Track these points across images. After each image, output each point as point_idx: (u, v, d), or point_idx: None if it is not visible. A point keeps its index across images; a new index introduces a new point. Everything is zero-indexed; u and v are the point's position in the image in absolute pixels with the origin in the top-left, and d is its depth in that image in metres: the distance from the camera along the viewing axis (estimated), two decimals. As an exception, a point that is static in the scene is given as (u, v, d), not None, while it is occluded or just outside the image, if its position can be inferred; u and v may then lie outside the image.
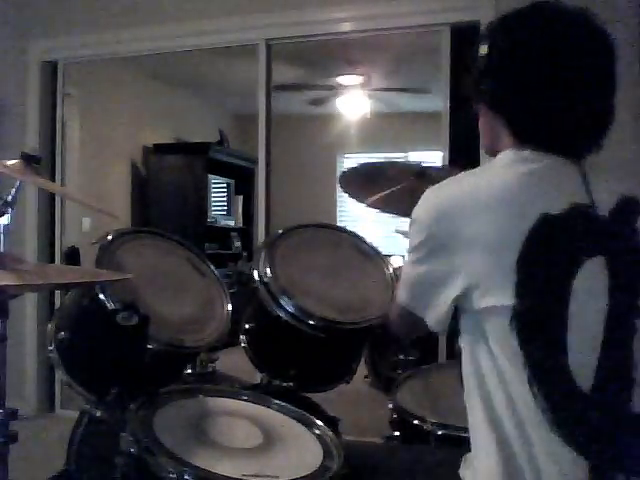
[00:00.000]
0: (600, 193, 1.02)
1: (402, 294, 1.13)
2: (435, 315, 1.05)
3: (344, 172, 2.10)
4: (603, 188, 1.03)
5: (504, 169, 1.03)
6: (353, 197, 2.09)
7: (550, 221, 0.96)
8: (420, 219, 1.05)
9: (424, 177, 1.89)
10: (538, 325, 0.95)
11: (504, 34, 1.06)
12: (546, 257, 0.96)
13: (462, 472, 1.07)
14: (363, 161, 2.14)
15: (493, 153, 1.13)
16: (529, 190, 0.99)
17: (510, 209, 0.97)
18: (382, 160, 2.00)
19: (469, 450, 1.05)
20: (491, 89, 1.07)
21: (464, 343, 1.05)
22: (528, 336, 0.95)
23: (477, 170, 1.07)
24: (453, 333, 1.09)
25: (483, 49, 1.07)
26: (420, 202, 1.06)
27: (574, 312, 0.94)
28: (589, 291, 0.96)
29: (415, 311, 1.10)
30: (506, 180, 1.00)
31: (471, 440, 1.04)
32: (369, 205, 2.05)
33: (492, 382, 0.99)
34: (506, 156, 1.05)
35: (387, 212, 2.14)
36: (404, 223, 2.25)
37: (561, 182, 1.02)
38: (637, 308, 0.99)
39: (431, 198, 1.05)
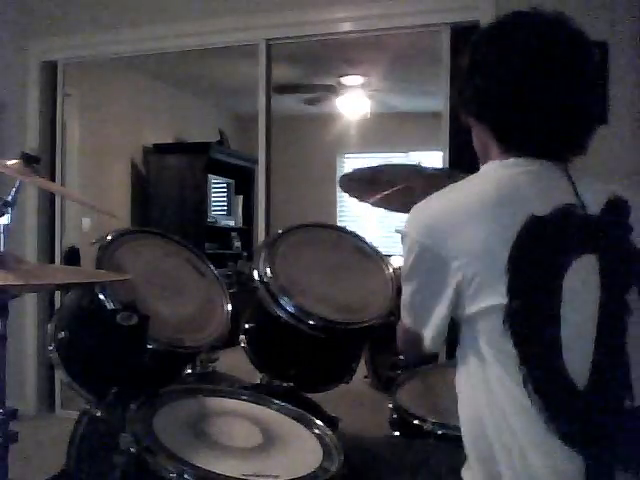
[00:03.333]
0: (588, 193, 1.04)
1: (405, 315, 1.13)
2: (431, 332, 1.07)
3: (343, 176, 2.10)
4: (593, 188, 1.05)
5: (486, 177, 1.07)
6: (355, 197, 2.09)
7: (537, 222, 0.98)
8: (410, 235, 1.06)
9: (422, 175, 1.89)
10: (531, 324, 0.97)
11: (483, 44, 1.09)
12: (535, 256, 0.98)
13: (463, 473, 1.08)
14: (363, 162, 2.13)
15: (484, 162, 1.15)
16: (514, 194, 1.01)
17: (496, 214, 0.99)
18: (380, 163, 1.99)
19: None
20: (473, 97, 1.09)
21: (458, 353, 1.08)
22: (522, 335, 0.96)
23: (460, 183, 1.09)
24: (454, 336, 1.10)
25: (464, 60, 1.10)
26: (408, 220, 1.08)
27: (566, 310, 0.96)
28: (580, 289, 0.98)
29: (418, 330, 1.10)
30: (488, 188, 1.03)
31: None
32: (372, 204, 2.05)
33: (481, 385, 1.01)
34: (489, 166, 1.09)
35: (390, 209, 2.13)
36: (404, 223, 2.26)
37: (547, 185, 1.04)
38: (627, 304, 1.00)
39: (418, 214, 1.07)
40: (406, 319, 1.13)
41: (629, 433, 0.99)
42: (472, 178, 1.09)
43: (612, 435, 0.98)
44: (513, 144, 1.07)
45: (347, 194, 2.10)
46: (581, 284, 0.98)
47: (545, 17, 1.06)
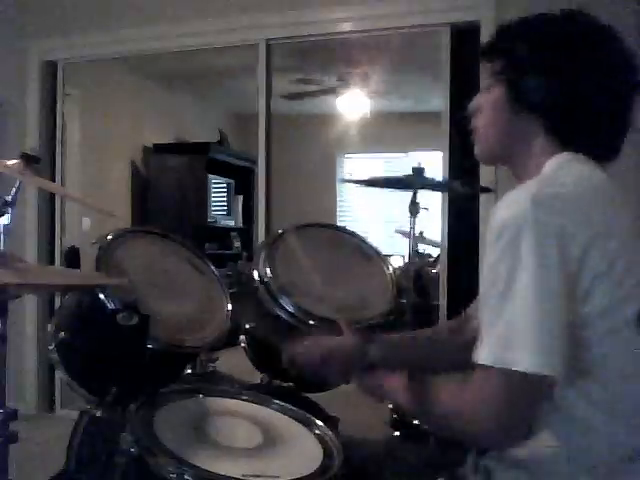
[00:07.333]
0: None
1: (526, 350, 0.85)
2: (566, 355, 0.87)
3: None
4: None
5: (584, 167, 1.01)
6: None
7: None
8: (536, 218, 0.87)
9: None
10: None
11: (556, 33, 1.04)
12: None
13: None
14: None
15: (500, 156, 1.12)
16: (611, 187, 1.00)
17: (616, 202, 0.98)
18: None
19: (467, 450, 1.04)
20: (544, 89, 1.02)
21: None
22: None
23: (551, 173, 1.00)
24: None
25: (522, 47, 1.04)
26: (521, 202, 0.90)
27: None
28: None
29: (553, 371, 0.86)
30: (596, 175, 1.00)
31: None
32: None
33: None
34: (567, 157, 1.02)
35: None
36: (404, 224, 2.26)
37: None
38: None
39: (543, 193, 0.91)
40: (531, 353, 0.85)
41: None
42: (562, 168, 1.00)
43: None
44: (576, 142, 1.03)
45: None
46: None
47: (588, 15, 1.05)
